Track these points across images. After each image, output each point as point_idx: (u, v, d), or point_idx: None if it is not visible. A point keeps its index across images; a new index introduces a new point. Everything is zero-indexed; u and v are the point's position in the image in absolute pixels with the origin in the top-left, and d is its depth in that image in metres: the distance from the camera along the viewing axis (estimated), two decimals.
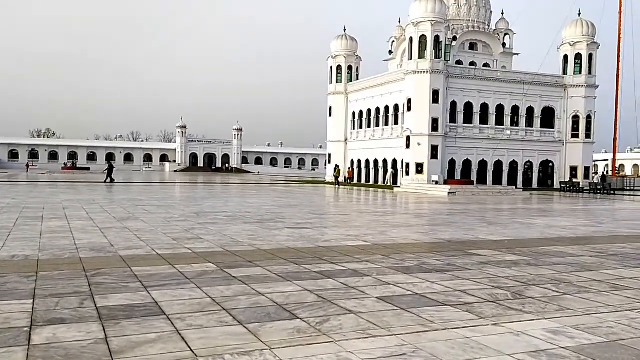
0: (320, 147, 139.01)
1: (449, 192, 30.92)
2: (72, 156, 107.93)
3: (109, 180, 37.78)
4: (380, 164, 48.05)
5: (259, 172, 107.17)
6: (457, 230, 12.72)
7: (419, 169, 40.77)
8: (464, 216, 16.95)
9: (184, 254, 8.53)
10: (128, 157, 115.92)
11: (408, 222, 15.07)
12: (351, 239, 10.84)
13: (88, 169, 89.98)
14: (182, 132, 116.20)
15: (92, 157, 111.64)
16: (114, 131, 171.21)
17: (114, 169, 41.75)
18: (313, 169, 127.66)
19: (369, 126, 50.36)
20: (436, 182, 36.77)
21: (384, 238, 11.01)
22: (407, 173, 41.42)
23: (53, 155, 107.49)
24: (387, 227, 13.37)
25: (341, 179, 46.03)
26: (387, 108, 47.57)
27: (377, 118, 49.05)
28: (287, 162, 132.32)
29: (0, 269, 7.05)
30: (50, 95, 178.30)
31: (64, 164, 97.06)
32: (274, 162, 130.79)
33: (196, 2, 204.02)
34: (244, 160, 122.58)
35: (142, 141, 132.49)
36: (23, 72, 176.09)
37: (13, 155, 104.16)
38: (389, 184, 44.32)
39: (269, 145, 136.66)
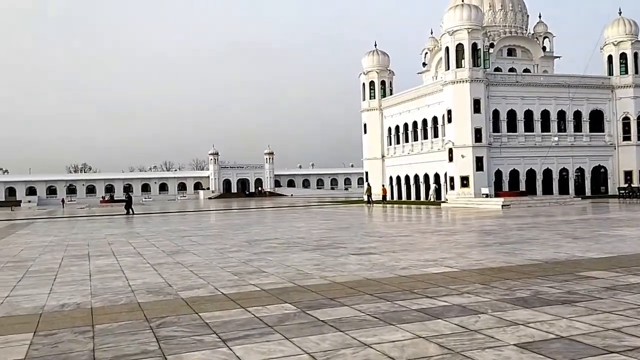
0: (352, 165, 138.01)
1: (502, 205, 29.26)
2: (109, 189, 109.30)
3: (130, 212, 37.16)
4: (421, 179, 46.51)
5: (292, 195, 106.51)
6: (544, 248, 11.33)
7: (464, 182, 39.10)
8: (537, 231, 15.48)
9: (253, 293, 7.45)
10: (163, 187, 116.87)
11: (481, 240, 13.70)
12: (431, 264, 9.59)
13: (126, 200, 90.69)
14: (215, 159, 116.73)
15: (128, 189, 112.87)
16: (148, 162, 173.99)
17: (132, 200, 41.11)
18: (346, 189, 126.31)
19: (406, 141, 49.00)
20: (487, 195, 35.05)
21: (468, 262, 9.72)
22: (452, 187, 39.79)
23: (90, 190, 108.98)
24: (461, 248, 12.06)
25: (375, 198, 44.91)
26: (425, 121, 46.19)
27: (415, 132, 47.69)
28: (320, 183, 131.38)
29: (50, 323, 6.07)
30: (85, 131, 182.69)
31: (102, 197, 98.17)
32: (306, 184, 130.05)
33: (222, 25, 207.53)
34: (277, 184, 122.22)
35: (176, 170, 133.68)
36: (58, 110, 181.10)
37: (51, 191, 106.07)
38: (432, 199, 42.76)
39: (300, 167, 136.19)
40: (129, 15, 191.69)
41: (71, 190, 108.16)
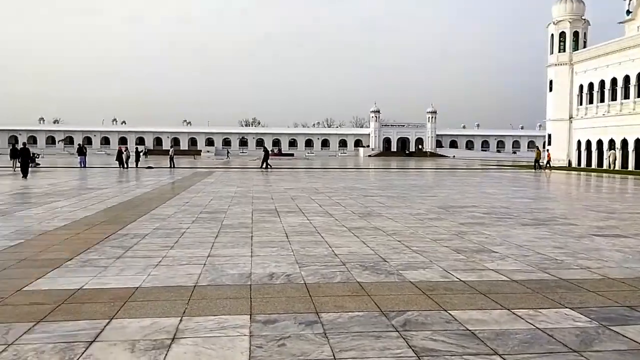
0: (522, 127, 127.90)
1: None
2: (276, 143, 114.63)
3: (264, 166, 36.48)
4: (618, 144, 40.36)
5: (454, 156, 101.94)
6: None
7: None
8: None
9: (500, 283, 5.67)
10: (325, 143, 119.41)
11: None
12: None
13: (292, 155, 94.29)
14: (376, 116, 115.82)
15: (292, 143, 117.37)
16: (311, 119, 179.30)
17: (269, 154, 40.21)
18: (514, 152, 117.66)
19: (601, 101, 42.71)
20: None
21: None
22: None
23: (259, 143, 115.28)
24: None
25: (542, 162, 40.30)
26: (627, 78, 39.62)
27: (614, 90, 41.25)
28: (484, 145, 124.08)
29: (264, 302, 4.92)
30: (257, 87, 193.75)
31: (271, 150, 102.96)
32: (469, 145, 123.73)
33: None
34: (438, 144, 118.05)
35: (337, 127, 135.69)
36: (232, 68, 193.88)
37: (226, 143, 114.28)
38: (612, 167, 36.98)
39: (464, 127, 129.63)
40: None
41: (243, 142, 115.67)
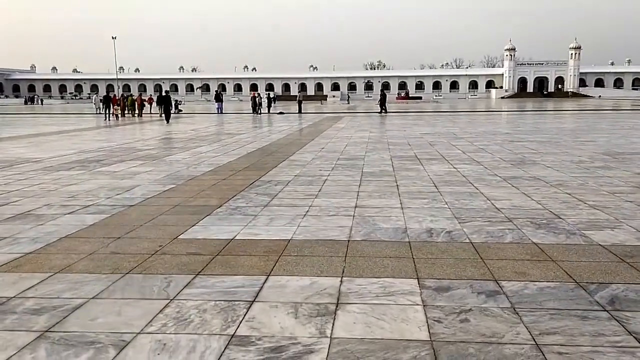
0: None
1: None
2: (402, 86, 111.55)
3: (383, 110, 34.60)
4: None
5: (599, 96, 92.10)
6: None
7: None
8: None
9: None
10: (453, 85, 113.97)
11: None
12: None
13: (420, 98, 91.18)
14: (510, 55, 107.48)
15: (419, 86, 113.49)
16: (439, 60, 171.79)
17: (386, 98, 37.56)
18: None
19: None
20: None
21: None
22: None
23: (385, 86, 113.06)
24: None
25: None
26: None
27: None
28: (636, 83, 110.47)
29: (427, 263, 4.36)
30: (381, 28, 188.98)
31: (398, 94, 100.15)
32: (618, 84, 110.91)
33: None
34: (581, 83, 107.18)
35: (467, 68, 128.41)
36: (357, 10, 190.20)
37: (352, 87, 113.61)
38: None
39: (612, 64, 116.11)
40: None
41: (368, 86, 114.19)
